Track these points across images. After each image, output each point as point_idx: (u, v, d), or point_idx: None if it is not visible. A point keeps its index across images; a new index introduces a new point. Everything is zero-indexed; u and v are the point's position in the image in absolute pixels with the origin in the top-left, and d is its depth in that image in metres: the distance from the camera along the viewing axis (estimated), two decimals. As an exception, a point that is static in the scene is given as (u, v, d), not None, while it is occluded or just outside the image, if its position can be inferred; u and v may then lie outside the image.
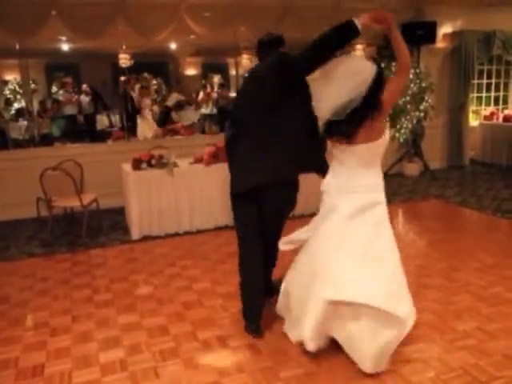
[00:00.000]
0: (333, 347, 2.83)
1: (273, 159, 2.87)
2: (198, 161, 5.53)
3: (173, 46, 10.58)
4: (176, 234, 5.34)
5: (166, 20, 6.43)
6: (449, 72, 8.40)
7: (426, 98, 7.65)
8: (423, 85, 7.61)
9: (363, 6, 7.48)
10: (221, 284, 3.98)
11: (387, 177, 7.85)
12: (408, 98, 7.64)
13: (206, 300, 3.69)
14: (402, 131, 7.75)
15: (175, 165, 5.34)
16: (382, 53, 9.88)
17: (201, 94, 12.50)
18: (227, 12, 6.95)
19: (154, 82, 13.25)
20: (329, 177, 2.87)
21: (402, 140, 7.80)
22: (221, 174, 5.44)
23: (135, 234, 5.22)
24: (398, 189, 7.24)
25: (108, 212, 6.10)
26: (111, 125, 10.25)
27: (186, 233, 5.38)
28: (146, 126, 8.01)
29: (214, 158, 5.48)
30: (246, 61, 14.85)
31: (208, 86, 13.29)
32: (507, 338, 2.96)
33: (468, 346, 2.89)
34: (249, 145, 2.96)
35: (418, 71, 7.58)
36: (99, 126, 10.18)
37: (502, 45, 8.21)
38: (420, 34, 7.54)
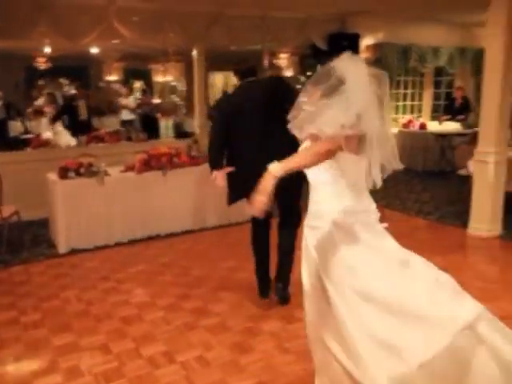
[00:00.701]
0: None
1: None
2: (130, 169, 5.31)
3: (94, 50, 10.14)
4: (106, 246, 5.08)
5: (94, 22, 6.14)
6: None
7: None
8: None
9: (290, 15, 7.68)
10: (160, 297, 3.82)
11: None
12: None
13: (146, 314, 3.53)
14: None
15: (106, 173, 5.09)
16: (305, 61, 10.21)
17: (123, 100, 12.11)
18: (156, 17, 6.79)
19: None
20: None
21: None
22: (153, 181, 5.29)
23: (62, 247, 4.89)
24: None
25: (30, 225, 5.66)
26: (26, 131, 9.58)
27: (117, 244, 5.14)
28: (60, 135, 7.53)
29: (146, 165, 5.29)
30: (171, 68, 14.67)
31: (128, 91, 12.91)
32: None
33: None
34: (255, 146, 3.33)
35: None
36: (12, 133, 9.48)
37: (417, 58, 8.76)
38: (345, 44, 7.83)
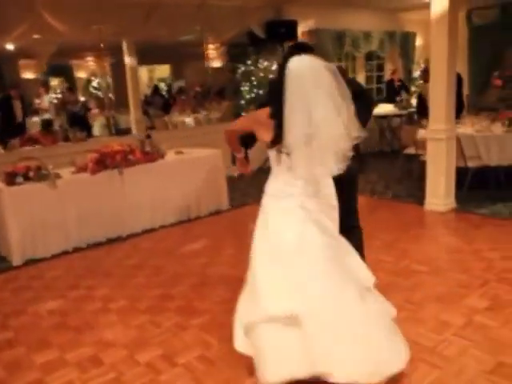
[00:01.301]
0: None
1: None
2: (82, 169, 5.01)
3: (10, 46, 9.38)
4: (64, 253, 4.77)
5: (22, 15, 5.68)
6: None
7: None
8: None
9: (228, 3, 7.57)
10: (139, 300, 3.64)
11: (262, 171, 8.09)
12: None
13: (131, 319, 3.34)
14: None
15: (57, 176, 4.75)
16: (232, 51, 10.11)
17: (36, 100, 11.39)
18: (88, 9, 6.42)
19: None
20: None
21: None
22: (109, 181, 5.03)
23: (17, 259, 4.52)
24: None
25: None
26: None
27: (76, 250, 4.84)
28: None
29: (100, 165, 5.01)
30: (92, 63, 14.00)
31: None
32: (433, 304, 3.23)
33: (404, 318, 3.07)
34: None
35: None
36: None
37: (351, 43, 9.00)
38: (282, 31, 7.88)
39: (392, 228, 4.82)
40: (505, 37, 8.97)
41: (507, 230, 4.57)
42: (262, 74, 7.86)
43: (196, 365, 2.74)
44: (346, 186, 2.89)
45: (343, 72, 2.92)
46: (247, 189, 7.02)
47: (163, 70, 16.53)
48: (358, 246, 3.00)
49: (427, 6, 5.09)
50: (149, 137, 5.48)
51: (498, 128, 5.57)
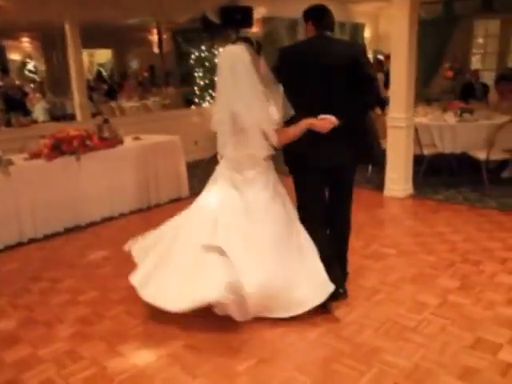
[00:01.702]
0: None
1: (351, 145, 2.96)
2: (36, 156, 4.70)
3: None
4: (19, 245, 4.47)
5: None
6: (264, 56, 8.88)
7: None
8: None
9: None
10: (111, 290, 3.49)
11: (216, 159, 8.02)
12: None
13: (105, 310, 3.20)
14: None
15: (9, 162, 4.44)
16: (185, 36, 9.90)
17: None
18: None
19: None
20: None
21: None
22: (66, 168, 4.77)
23: (-34, 251, 4.19)
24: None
25: None
26: None
27: (32, 241, 4.55)
28: None
29: (56, 150, 4.72)
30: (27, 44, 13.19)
31: None
32: (407, 285, 3.34)
33: (382, 299, 3.16)
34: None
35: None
36: None
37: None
38: (238, 18, 7.77)
39: (356, 214, 4.87)
40: (448, 30, 9.40)
41: (463, 214, 4.80)
42: (216, 60, 7.71)
43: (182, 353, 2.67)
44: (342, 175, 3.10)
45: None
46: (204, 176, 6.91)
47: (103, 55, 15.88)
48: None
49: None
50: (106, 121, 5.23)
51: (450, 117, 5.81)
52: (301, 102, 2.83)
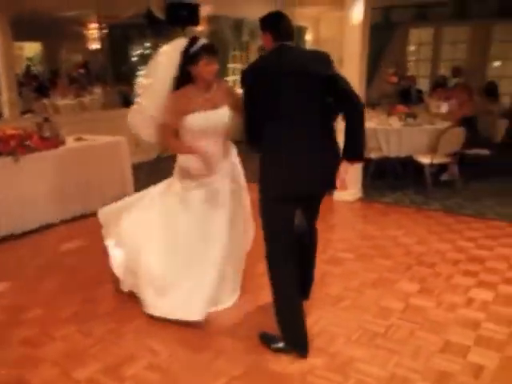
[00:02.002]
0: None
1: (327, 162, 2.56)
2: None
3: None
4: None
5: None
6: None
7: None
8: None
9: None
10: (59, 307, 3.19)
11: (161, 160, 7.76)
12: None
13: (55, 330, 2.92)
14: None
15: None
16: (128, 32, 9.51)
17: None
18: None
19: None
20: None
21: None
22: (2, 170, 4.37)
23: None
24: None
25: None
26: None
27: (-39, 252, 4.13)
28: None
29: (-11, 151, 4.31)
30: None
31: None
32: (369, 290, 3.34)
33: (348, 306, 3.14)
34: (303, 142, 2.52)
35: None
36: None
37: (249, 32, 8.99)
38: (184, 15, 7.56)
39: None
40: (386, 36, 9.73)
41: (411, 216, 4.93)
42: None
43: (147, 375, 2.48)
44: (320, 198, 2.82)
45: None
46: (148, 179, 6.65)
47: (32, 48, 14.94)
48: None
49: (317, 3, 5.25)
50: (47, 120, 4.85)
51: (395, 122, 5.97)
52: (275, 123, 2.52)
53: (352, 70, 5.14)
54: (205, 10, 8.00)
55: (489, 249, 4.00)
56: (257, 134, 2.56)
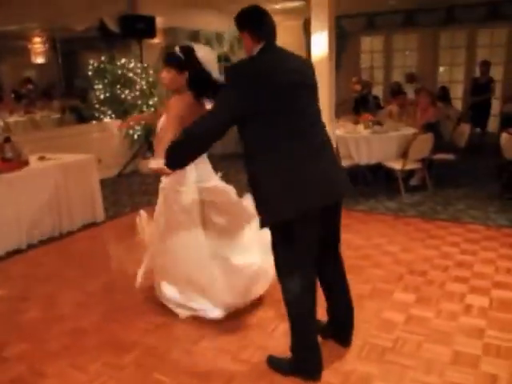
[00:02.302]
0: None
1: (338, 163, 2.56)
2: None
3: None
4: None
5: None
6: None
7: (155, 93, 7.59)
8: (150, 79, 7.51)
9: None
10: (45, 340, 2.95)
11: (123, 177, 7.50)
12: (138, 94, 7.40)
13: (43, 367, 2.67)
14: (136, 127, 7.47)
15: None
16: (81, 45, 9.15)
17: None
18: None
19: None
20: None
21: (136, 137, 7.52)
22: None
23: None
24: (151, 186, 6.96)
25: None
26: None
27: None
28: None
29: None
30: None
31: None
32: (368, 302, 3.31)
33: (349, 321, 3.09)
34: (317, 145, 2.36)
35: (145, 65, 7.42)
36: None
37: (206, 43, 8.88)
38: (141, 27, 7.36)
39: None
40: (341, 44, 9.88)
41: (390, 223, 4.97)
42: (119, 72, 7.20)
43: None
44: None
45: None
46: (113, 197, 6.40)
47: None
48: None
49: (272, 12, 5.22)
50: (8, 140, 4.53)
51: (363, 130, 6.05)
52: (283, 134, 2.29)
53: (321, 79, 5.14)
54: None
55: (473, 253, 4.09)
56: (208, 146, 2.43)
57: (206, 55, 2.98)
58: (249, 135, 2.32)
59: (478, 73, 9.07)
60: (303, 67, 2.45)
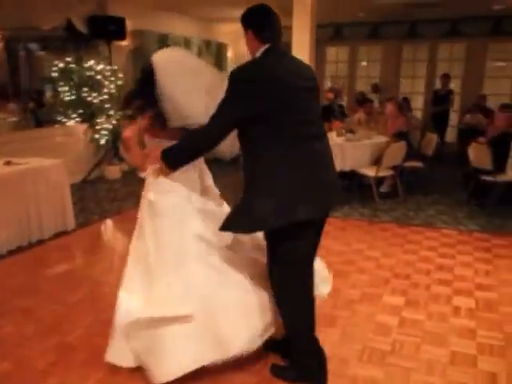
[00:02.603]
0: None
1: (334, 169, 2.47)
2: None
3: None
4: None
5: None
6: (135, 70, 8.34)
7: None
8: (119, 82, 7.32)
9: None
10: (27, 357, 2.77)
11: (87, 183, 7.25)
12: (106, 97, 7.19)
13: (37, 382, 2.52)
14: (103, 132, 7.25)
15: None
16: (46, 45, 8.79)
17: None
18: None
19: None
20: None
21: (103, 142, 7.30)
22: None
23: None
24: (119, 192, 6.76)
25: None
26: None
27: None
28: None
29: None
30: None
31: None
32: (359, 307, 3.33)
33: (345, 325, 3.10)
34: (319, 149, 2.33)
35: (114, 68, 7.23)
36: None
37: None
38: (111, 29, 7.17)
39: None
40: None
41: (368, 229, 5.05)
42: (87, 74, 6.96)
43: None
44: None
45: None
46: (81, 203, 6.17)
47: None
48: None
49: (236, 20, 5.24)
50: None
51: (336, 137, 6.13)
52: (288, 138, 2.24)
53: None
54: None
55: (451, 257, 4.22)
56: (210, 147, 2.35)
57: (165, 67, 2.47)
58: (251, 137, 2.28)
59: (438, 85, 9.44)
60: (307, 72, 2.43)
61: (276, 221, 2.18)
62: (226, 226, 2.33)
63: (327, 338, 2.92)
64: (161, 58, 2.51)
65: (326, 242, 4.78)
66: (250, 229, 2.35)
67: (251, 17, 2.33)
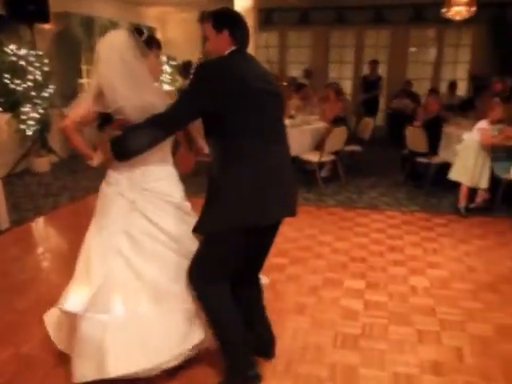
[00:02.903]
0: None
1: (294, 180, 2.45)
2: None
3: None
4: None
5: None
6: (60, 55, 7.79)
7: (50, 84, 6.91)
8: (45, 69, 6.81)
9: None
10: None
11: (13, 177, 6.74)
12: (31, 84, 6.67)
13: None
14: (29, 122, 6.74)
15: None
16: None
17: None
18: None
19: None
20: None
21: (30, 132, 6.79)
22: None
23: None
24: (52, 186, 6.33)
25: None
26: None
27: None
28: None
29: None
30: None
31: None
32: (323, 292, 3.39)
33: (313, 312, 3.14)
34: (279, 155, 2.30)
35: (39, 53, 6.70)
36: None
37: (101, 32, 8.30)
38: (32, 9, 6.63)
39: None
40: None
41: (316, 214, 5.15)
42: (8, 59, 6.39)
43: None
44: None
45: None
46: (12, 199, 5.71)
47: None
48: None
49: (164, 3, 5.12)
50: None
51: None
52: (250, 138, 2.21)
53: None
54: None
55: (399, 238, 4.42)
56: (165, 136, 2.30)
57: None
58: (215, 135, 2.24)
59: (366, 70, 9.76)
60: (269, 77, 2.41)
61: (240, 222, 2.21)
62: (197, 227, 2.28)
63: (299, 326, 2.95)
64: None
65: (281, 228, 4.83)
66: (216, 229, 2.25)
67: (228, 17, 2.30)
